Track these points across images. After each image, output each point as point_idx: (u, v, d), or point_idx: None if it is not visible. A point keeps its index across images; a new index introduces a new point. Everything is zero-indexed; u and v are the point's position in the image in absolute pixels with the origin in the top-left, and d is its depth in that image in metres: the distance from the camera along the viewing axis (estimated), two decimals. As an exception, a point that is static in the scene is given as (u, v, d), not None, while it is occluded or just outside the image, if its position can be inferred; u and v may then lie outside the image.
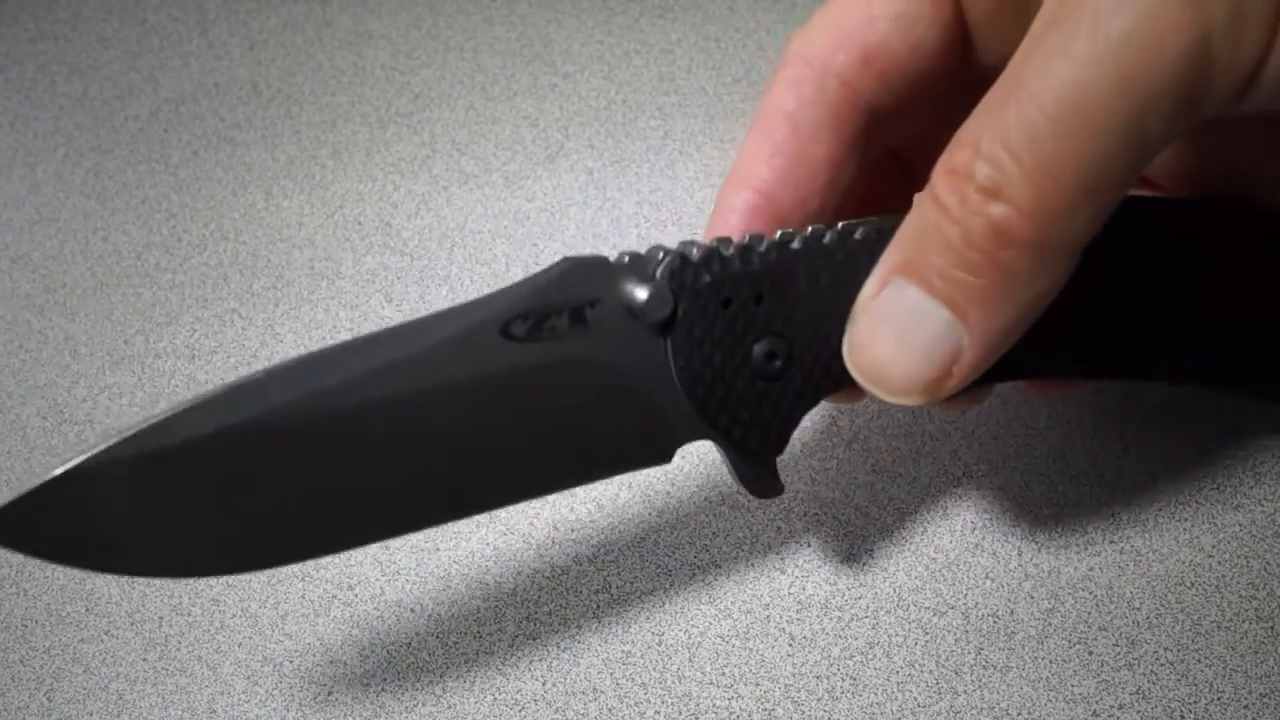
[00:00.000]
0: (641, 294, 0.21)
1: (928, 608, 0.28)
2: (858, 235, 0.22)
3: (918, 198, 0.20)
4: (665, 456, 0.23)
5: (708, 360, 0.22)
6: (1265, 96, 0.17)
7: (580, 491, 0.29)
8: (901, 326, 0.20)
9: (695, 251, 0.21)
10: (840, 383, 0.22)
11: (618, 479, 0.29)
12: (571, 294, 0.21)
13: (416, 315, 0.21)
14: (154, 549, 0.20)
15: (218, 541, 0.20)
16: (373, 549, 0.29)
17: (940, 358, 0.20)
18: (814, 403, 0.23)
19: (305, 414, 0.20)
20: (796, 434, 0.22)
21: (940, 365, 0.20)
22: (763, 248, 0.22)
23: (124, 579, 0.29)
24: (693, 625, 0.28)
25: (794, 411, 0.23)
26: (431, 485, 0.21)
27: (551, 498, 0.29)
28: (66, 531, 0.19)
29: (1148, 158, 0.18)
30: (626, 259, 0.22)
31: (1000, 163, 0.18)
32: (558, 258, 0.22)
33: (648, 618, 0.28)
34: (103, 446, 0.19)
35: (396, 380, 0.21)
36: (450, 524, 0.22)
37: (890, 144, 0.26)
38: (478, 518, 0.29)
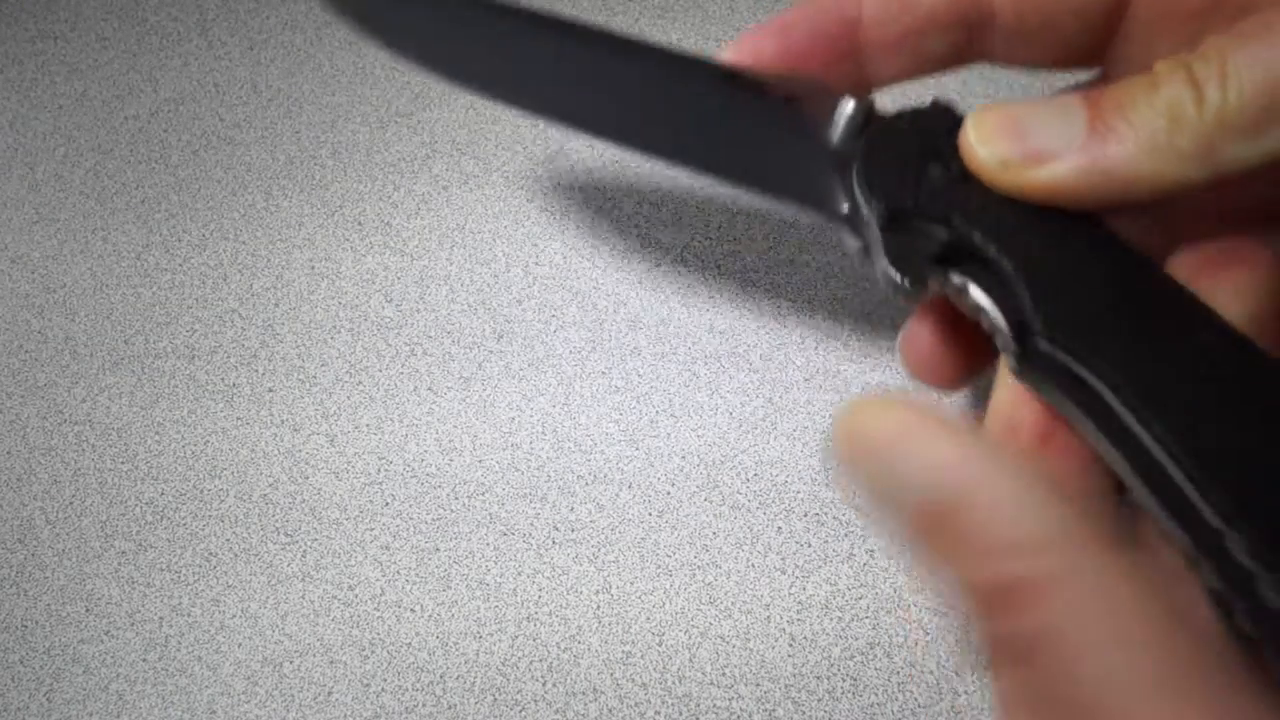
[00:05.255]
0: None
1: (928, 608, 0.28)
2: None
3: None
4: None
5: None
6: None
7: (580, 491, 0.29)
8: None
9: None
10: None
11: (619, 479, 0.29)
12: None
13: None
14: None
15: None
16: (373, 550, 0.29)
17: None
18: None
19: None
20: (798, 435, 0.22)
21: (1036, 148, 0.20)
22: None
23: (123, 579, 0.29)
24: (693, 625, 0.28)
25: None
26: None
27: (551, 497, 0.29)
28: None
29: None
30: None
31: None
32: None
33: (648, 618, 0.28)
34: None
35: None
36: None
37: None
38: (477, 517, 0.29)
